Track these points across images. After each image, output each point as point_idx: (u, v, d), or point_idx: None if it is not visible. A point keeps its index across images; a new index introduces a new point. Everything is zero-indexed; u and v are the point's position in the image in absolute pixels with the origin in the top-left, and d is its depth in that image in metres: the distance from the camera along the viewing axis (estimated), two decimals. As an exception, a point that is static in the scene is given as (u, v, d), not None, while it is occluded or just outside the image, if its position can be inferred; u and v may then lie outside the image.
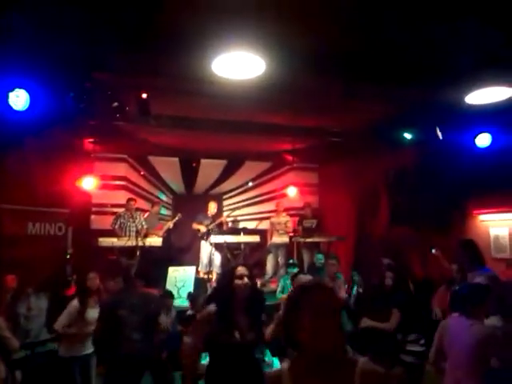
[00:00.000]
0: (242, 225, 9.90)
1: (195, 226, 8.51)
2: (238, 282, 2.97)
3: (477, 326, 2.89)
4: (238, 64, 4.18)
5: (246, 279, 3.01)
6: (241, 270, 3.05)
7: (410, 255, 7.49)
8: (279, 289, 7.36)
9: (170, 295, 5.63)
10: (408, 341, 4.38)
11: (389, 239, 7.73)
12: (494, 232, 6.75)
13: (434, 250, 6.07)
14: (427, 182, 6.83)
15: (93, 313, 4.23)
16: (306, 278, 4.53)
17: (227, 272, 3.25)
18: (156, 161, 9.50)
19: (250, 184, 10.19)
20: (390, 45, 3.87)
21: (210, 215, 8.61)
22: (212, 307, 2.99)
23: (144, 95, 5.10)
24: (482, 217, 6.92)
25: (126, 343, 3.67)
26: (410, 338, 4.38)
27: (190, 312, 5.56)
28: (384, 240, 7.80)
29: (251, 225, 9.98)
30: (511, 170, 5.80)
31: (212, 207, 8.68)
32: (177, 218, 8.54)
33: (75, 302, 4.35)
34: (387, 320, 4.44)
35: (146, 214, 8.47)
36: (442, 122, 5.87)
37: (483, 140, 6.15)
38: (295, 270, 6.56)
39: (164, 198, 9.70)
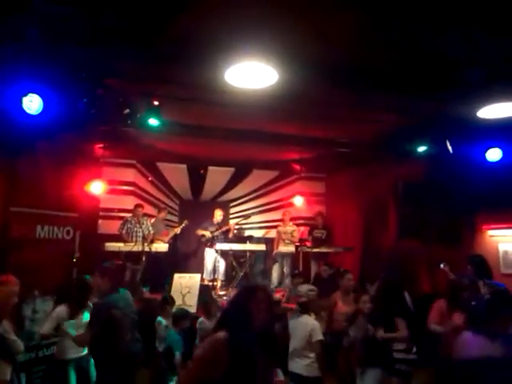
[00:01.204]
0: (247, 233, 9.89)
1: (200, 231, 8.52)
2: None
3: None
4: (251, 74, 4.21)
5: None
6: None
7: (418, 269, 7.43)
8: (284, 299, 7.33)
9: (169, 301, 5.61)
10: (399, 350, 4.33)
11: (396, 252, 7.67)
12: (502, 248, 6.69)
13: (442, 265, 6.02)
14: (436, 196, 6.80)
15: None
16: (307, 287, 4.50)
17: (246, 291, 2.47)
18: (164, 167, 9.54)
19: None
20: (403, 57, 3.87)
21: (215, 222, 8.62)
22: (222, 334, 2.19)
23: (155, 102, 5.14)
24: (491, 232, 6.87)
25: (118, 344, 3.65)
26: (400, 346, 4.34)
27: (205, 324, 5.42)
28: (391, 252, 7.74)
29: (257, 233, 9.97)
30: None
31: (218, 214, 8.70)
32: (183, 225, 8.56)
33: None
34: (392, 330, 4.40)
35: (153, 220, 8.49)
36: (452, 135, 5.86)
37: (494, 154, 6.12)
38: None
39: (163, 198, 9.71)
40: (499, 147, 6.09)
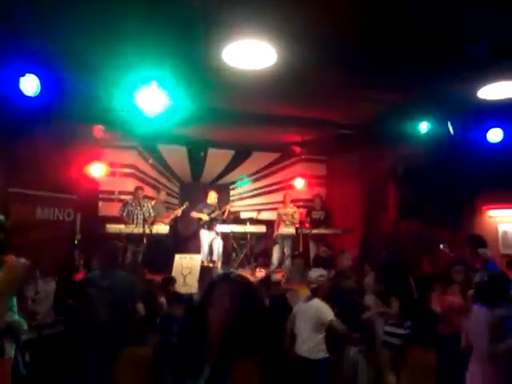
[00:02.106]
0: (246, 215, 9.91)
1: (194, 214, 8.54)
2: None
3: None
4: (249, 53, 4.16)
5: None
6: None
7: (418, 250, 7.47)
8: (285, 279, 7.40)
9: (170, 281, 5.65)
10: (391, 324, 4.43)
11: (396, 233, 7.70)
12: (502, 228, 6.71)
13: (441, 246, 6.05)
14: (436, 176, 6.78)
15: None
16: (317, 273, 4.52)
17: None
18: (164, 149, 9.51)
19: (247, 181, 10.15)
20: (403, 35, 3.82)
21: (210, 204, 8.62)
22: None
23: (154, 84, 5.09)
24: (490, 212, 6.88)
25: (92, 321, 3.73)
26: (392, 321, 4.43)
27: None
28: (391, 234, 7.78)
29: (252, 214, 9.96)
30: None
31: (212, 197, 8.69)
32: (184, 207, 8.58)
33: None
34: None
35: (153, 202, 8.52)
36: (453, 115, 5.80)
37: (495, 135, 6.09)
38: None
39: (163, 181, 9.70)
40: (500, 128, 6.06)
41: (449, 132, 5.96)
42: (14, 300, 3.31)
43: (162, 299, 5.29)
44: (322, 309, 4.20)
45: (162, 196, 8.84)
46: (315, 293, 4.35)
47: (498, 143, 6.05)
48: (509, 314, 3.15)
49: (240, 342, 1.72)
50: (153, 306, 5.30)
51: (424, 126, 6.29)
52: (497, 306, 3.19)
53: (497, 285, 3.27)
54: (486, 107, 5.42)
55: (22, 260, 1.99)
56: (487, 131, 6.03)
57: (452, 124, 5.91)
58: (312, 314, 4.22)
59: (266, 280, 6.18)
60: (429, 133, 6.32)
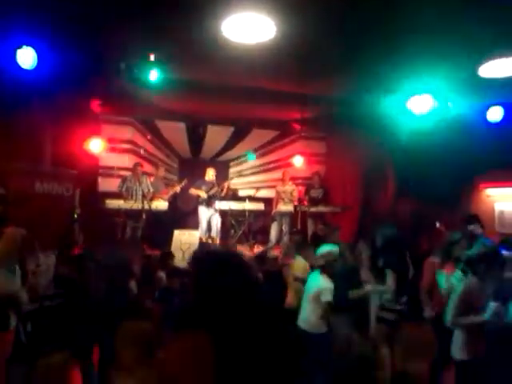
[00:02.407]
0: (245, 193, 9.94)
1: (193, 191, 8.54)
2: None
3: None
4: (248, 27, 4.10)
5: None
6: None
7: (415, 228, 7.52)
8: (282, 255, 7.47)
9: (169, 256, 5.72)
10: (387, 299, 4.50)
11: (394, 211, 7.75)
12: (499, 207, 6.75)
13: (438, 224, 6.10)
14: (435, 155, 6.77)
15: None
16: (326, 250, 4.55)
17: None
18: (163, 125, 9.45)
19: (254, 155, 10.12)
20: (402, 10, 3.75)
21: (208, 181, 8.63)
22: None
23: (152, 57, 5.04)
24: (488, 191, 6.91)
25: (90, 296, 3.82)
26: (388, 296, 4.50)
27: None
28: (389, 211, 7.83)
29: (250, 192, 9.98)
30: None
31: (210, 173, 8.67)
32: (183, 183, 8.60)
33: None
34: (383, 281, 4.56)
35: (152, 178, 8.53)
36: (453, 93, 5.76)
37: (495, 114, 6.07)
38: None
39: (162, 157, 9.69)
40: (501, 106, 6.03)
41: (449, 110, 5.92)
42: (18, 272, 3.37)
43: (162, 273, 5.37)
44: (323, 288, 4.25)
45: (161, 172, 8.86)
46: (322, 269, 4.37)
47: (497, 122, 6.03)
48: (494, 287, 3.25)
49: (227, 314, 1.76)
50: (152, 280, 5.41)
51: (423, 104, 6.26)
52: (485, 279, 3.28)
53: (488, 258, 3.35)
54: (486, 85, 5.37)
55: (21, 230, 2.03)
56: (487, 110, 6.00)
57: (452, 102, 5.87)
58: (314, 290, 4.29)
59: (261, 256, 6.26)
60: (429, 111, 6.29)
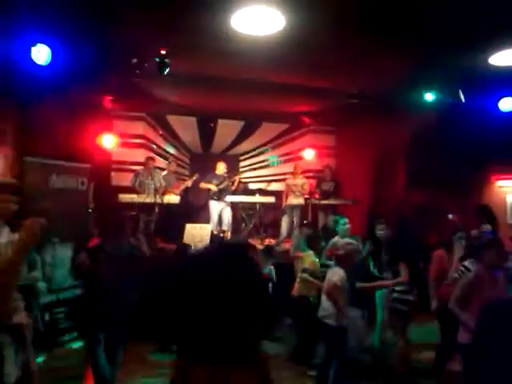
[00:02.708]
0: (256, 186, 10.00)
1: (203, 185, 8.61)
2: None
3: None
4: (258, 19, 4.15)
5: None
6: None
7: (425, 220, 7.51)
8: (292, 248, 7.53)
9: (185, 247, 5.83)
10: (399, 291, 4.53)
11: (406, 204, 7.74)
12: (510, 199, 6.72)
13: (450, 216, 6.09)
14: (446, 146, 6.74)
15: None
16: (344, 241, 4.57)
17: None
18: (174, 120, 9.56)
19: (267, 150, 10.23)
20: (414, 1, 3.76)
21: (219, 175, 8.69)
22: None
23: (163, 51, 5.10)
24: (499, 183, 6.87)
25: (104, 283, 3.94)
26: (400, 288, 4.53)
27: None
28: (401, 204, 7.82)
29: (259, 185, 10.03)
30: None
31: (221, 167, 8.72)
32: (194, 178, 8.69)
33: None
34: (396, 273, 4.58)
35: (164, 173, 8.64)
36: (464, 83, 5.73)
37: (507, 104, 6.02)
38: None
39: (173, 151, 9.79)
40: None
41: (459, 100, 5.90)
42: (38, 263, 3.49)
43: None
44: (337, 277, 4.27)
45: (173, 167, 8.95)
46: (340, 261, 4.35)
47: (509, 112, 5.98)
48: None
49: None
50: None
51: (434, 95, 6.25)
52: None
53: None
54: (498, 75, 5.33)
55: (40, 220, 2.13)
56: (499, 100, 5.96)
57: (463, 92, 5.84)
58: (329, 280, 4.31)
59: (268, 248, 6.33)
60: (439, 101, 6.28)
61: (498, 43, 4.37)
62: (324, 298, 4.27)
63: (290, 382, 4.58)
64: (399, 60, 5.20)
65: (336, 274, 4.18)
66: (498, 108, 6.02)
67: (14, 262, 2.09)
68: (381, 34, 4.45)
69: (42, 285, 3.71)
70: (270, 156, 10.30)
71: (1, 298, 2.13)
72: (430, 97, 6.30)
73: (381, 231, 5.29)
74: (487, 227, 4.65)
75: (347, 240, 4.55)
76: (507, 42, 4.34)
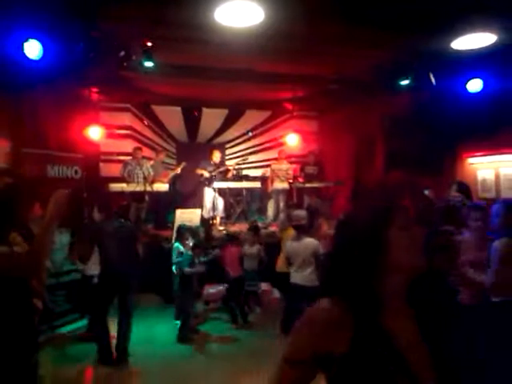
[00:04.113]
0: (245, 173, 10.28)
1: (199, 170, 8.92)
2: None
3: None
4: (239, 12, 4.41)
5: None
6: None
7: (404, 198, 7.91)
8: (279, 229, 7.90)
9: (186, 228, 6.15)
10: None
11: (384, 184, 8.13)
12: (481, 174, 7.16)
13: (426, 191, 6.47)
14: (421, 128, 7.12)
15: None
16: (300, 213, 5.01)
17: None
18: (159, 110, 9.75)
19: (250, 134, 10.51)
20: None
21: (213, 163, 8.99)
22: None
23: (149, 43, 5.33)
24: (470, 160, 7.30)
25: (107, 263, 4.29)
26: None
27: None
28: (379, 184, 8.21)
29: (253, 173, 10.36)
30: (498, 115, 6.10)
31: (216, 156, 9.04)
32: (182, 166, 8.95)
33: None
34: None
35: (152, 162, 8.86)
36: (434, 68, 6.09)
37: (474, 85, 6.41)
38: None
39: (160, 141, 10.02)
40: (480, 78, 6.36)
41: (431, 84, 6.26)
42: None
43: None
44: (315, 246, 4.72)
45: (161, 157, 9.18)
46: (298, 229, 4.84)
47: (477, 93, 6.37)
48: None
49: None
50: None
51: (408, 79, 6.61)
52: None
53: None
54: (465, 58, 5.70)
55: (66, 191, 2.28)
56: (467, 81, 6.34)
57: (434, 76, 6.20)
58: (308, 249, 4.75)
59: (254, 228, 6.69)
60: (413, 85, 6.64)
61: (458, 29, 4.73)
62: (301, 264, 4.72)
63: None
64: (373, 47, 5.52)
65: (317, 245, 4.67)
66: (467, 89, 6.40)
67: (44, 237, 2.08)
68: (354, 23, 4.75)
69: (49, 265, 3.97)
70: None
71: (36, 277, 2.20)
72: (404, 81, 6.65)
73: None
74: (457, 195, 5.04)
75: (301, 211, 5.07)
76: (466, 28, 4.70)
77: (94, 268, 4.97)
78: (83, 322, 5.41)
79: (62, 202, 2.13)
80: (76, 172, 6.12)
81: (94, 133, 8.15)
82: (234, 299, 6.17)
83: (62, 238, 5.40)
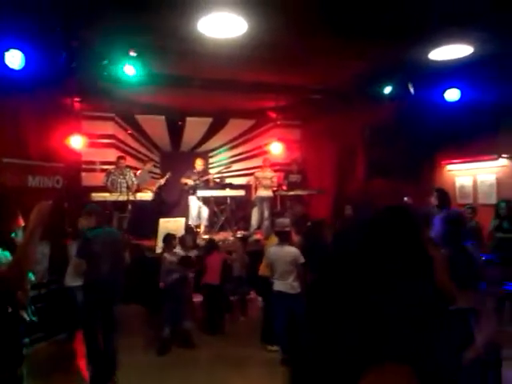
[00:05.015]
0: (228, 181, 10.32)
1: (183, 179, 8.92)
2: None
3: None
4: (222, 24, 4.47)
5: None
6: None
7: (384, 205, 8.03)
8: (263, 237, 7.92)
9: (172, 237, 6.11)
10: None
11: (364, 191, 8.26)
12: (459, 181, 7.34)
13: (406, 199, 6.62)
14: (401, 136, 7.29)
15: None
16: (284, 221, 5.07)
17: None
18: (143, 119, 9.73)
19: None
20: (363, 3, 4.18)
21: (196, 171, 9.00)
22: None
23: (132, 53, 5.35)
24: (449, 167, 7.49)
25: (96, 272, 4.24)
26: None
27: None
28: (360, 192, 8.34)
29: (237, 181, 10.40)
30: (475, 123, 6.29)
31: (199, 164, 9.07)
32: (167, 176, 8.93)
33: None
34: None
35: (139, 171, 8.84)
36: (413, 78, 6.26)
37: (452, 95, 6.60)
38: None
39: (144, 150, 9.99)
40: (458, 88, 6.56)
41: (410, 93, 6.43)
42: None
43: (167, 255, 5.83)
44: (296, 253, 4.77)
45: (149, 166, 9.20)
46: (281, 236, 4.89)
47: (455, 102, 6.56)
48: None
49: None
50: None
51: (389, 89, 6.77)
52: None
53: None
54: (443, 68, 5.88)
55: (48, 202, 2.29)
56: (445, 91, 6.53)
57: (413, 85, 6.37)
58: (288, 257, 4.79)
59: (244, 237, 6.79)
60: (393, 95, 6.80)
61: (435, 40, 4.88)
62: (283, 272, 4.77)
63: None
64: (354, 57, 5.66)
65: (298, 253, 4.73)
66: (444, 98, 6.58)
67: (27, 248, 2.10)
68: (335, 34, 4.87)
69: (31, 276, 3.90)
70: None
71: (19, 289, 2.18)
72: (384, 91, 6.81)
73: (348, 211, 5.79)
74: (433, 201, 5.19)
75: (286, 220, 5.13)
76: (444, 39, 4.86)
77: (71, 280, 4.91)
78: (63, 335, 5.34)
79: (44, 213, 2.13)
80: (58, 182, 6.06)
81: (76, 142, 8.03)
82: (212, 308, 6.16)
83: (43, 249, 5.34)
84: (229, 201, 9.44)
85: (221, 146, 10.67)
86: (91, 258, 4.25)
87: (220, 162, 10.67)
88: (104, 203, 7.68)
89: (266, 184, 9.37)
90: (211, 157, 10.73)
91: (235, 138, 10.65)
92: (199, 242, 8.05)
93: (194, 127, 10.11)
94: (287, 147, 10.38)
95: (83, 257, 4.29)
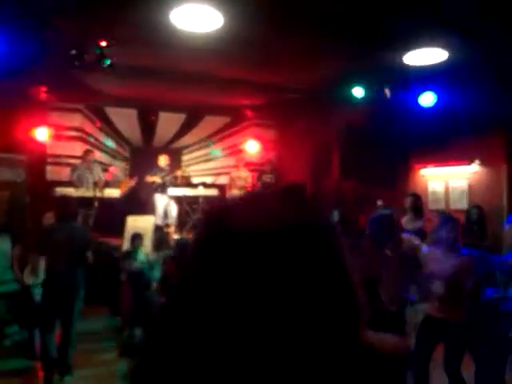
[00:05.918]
0: (199, 180, 10.09)
1: (149, 178, 8.63)
2: None
3: None
4: (196, 16, 4.29)
5: None
6: None
7: (356, 207, 8.05)
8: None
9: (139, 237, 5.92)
10: None
11: (337, 192, 8.25)
12: (431, 186, 7.41)
13: (378, 202, 6.61)
14: (375, 139, 7.29)
15: None
16: None
17: None
18: (112, 112, 9.39)
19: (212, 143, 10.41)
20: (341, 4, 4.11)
21: (162, 168, 8.72)
22: None
23: (103, 43, 5.10)
24: (422, 171, 7.55)
25: (54, 265, 4.02)
26: None
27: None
28: (333, 193, 8.32)
29: (210, 180, 10.21)
30: (449, 128, 6.34)
31: (162, 160, 8.76)
32: (136, 179, 8.59)
33: None
34: None
35: (114, 168, 8.55)
36: (387, 81, 6.25)
37: (427, 99, 6.64)
38: None
39: (112, 145, 9.67)
40: (433, 92, 6.60)
41: (384, 97, 6.42)
42: None
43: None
44: None
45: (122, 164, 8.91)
46: None
47: (429, 107, 6.60)
48: None
49: None
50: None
51: (363, 91, 6.75)
52: None
53: None
54: (418, 73, 5.89)
55: None
56: (419, 95, 6.56)
57: (388, 89, 6.36)
58: None
59: None
60: (368, 97, 6.79)
61: (408, 44, 4.87)
62: None
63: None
64: (329, 58, 5.59)
65: None
66: (419, 103, 6.61)
67: None
68: (311, 33, 4.78)
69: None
70: (213, 150, 10.47)
71: None
72: (359, 93, 6.79)
73: None
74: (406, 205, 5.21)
75: None
76: (418, 43, 4.84)
77: (30, 277, 4.67)
78: (24, 334, 5.06)
79: None
80: (19, 175, 5.73)
81: (42, 134, 7.71)
82: None
83: (3, 245, 5.02)
84: (201, 200, 9.23)
85: (195, 143, 10.44)
86: (50, 253, 4.01)
87: (194, 159, 10.45)
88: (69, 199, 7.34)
89: (241, 184, 9.23)
90: (185, 154, 10.49)
91: (210, 136, 10.44)
92: (170, 241, 7.83)
93: (168, 122, 9.85)
94: (263, 147, 10.28)
95: (41, 252, 4.06)
